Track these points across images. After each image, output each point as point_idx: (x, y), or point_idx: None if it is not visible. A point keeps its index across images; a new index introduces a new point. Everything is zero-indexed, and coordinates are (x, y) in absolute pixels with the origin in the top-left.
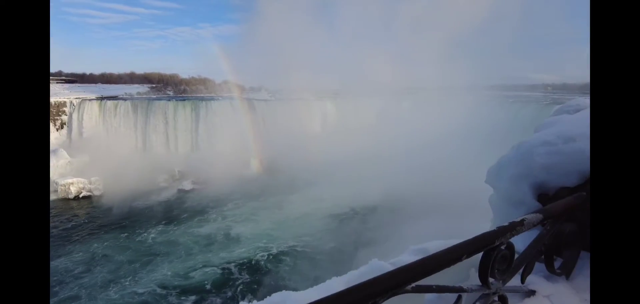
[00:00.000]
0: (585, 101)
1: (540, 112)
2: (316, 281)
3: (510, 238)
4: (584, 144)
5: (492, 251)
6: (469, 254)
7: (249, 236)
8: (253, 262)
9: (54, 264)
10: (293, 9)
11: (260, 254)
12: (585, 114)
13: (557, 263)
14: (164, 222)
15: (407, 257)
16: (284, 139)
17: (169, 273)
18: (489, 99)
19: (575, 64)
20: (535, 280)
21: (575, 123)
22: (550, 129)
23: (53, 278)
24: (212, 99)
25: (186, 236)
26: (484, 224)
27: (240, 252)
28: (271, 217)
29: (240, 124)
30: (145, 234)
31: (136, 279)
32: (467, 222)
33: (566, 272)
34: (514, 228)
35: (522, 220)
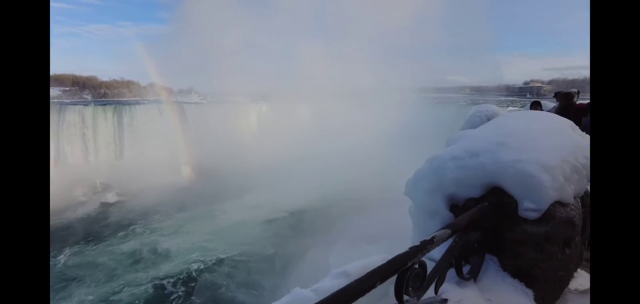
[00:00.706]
0: (493, 107)
1: (459, 112)
2: (255, 287)
3: (421, 257)
4: (486, 158)
5: (405, 272)
6: (384, 279)
7: (181, 250)
8: (187, 276)
9: None
10: (223, 6)
11: (195, 266)
12: (489, 127)
13: (465, 269)
14: (82, 241)
15: (328, 282)
16: (217, 144)
17: (89, 298)
18: (416, 100)
19: (489, 68)
20: (447, 288)
21: (480, 139)
22: (459, 143)
23: None
24: (137, 103)
25: (108, 255)
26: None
27: (170, 267)
28: (204, 228)
29: (169, 129)
30: (61, 256)
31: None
32: (395, 216)
33: (474, 276)
34: (425, 246)
35: (433, 238)
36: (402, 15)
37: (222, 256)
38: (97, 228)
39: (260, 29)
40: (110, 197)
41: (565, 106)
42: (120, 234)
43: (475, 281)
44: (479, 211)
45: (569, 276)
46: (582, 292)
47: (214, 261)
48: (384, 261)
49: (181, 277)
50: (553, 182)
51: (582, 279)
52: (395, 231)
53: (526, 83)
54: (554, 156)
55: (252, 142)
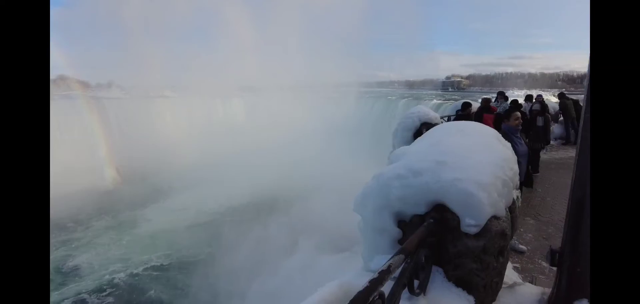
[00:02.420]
0: (424, 109)
1: (388, 106)
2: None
3: (381, 288)
4: (429, 177)
5: None
6: None
7: (96, 264)
8: (101, 293)
9: None
10: None
11: (111, 280)
12: (426, 143)
13: (416, 284)
14: None
15: None
16: (144, 143)
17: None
18: (347, 95)
19: (415, 64)
20: None
21: (420, 157)
22: (401, 161)
23: None
24: None
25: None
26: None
27: (82, 285)
28: (126, 236)
29: (87, 127)
30: None
31: None
32: (331, 208)
33: (423, 290)
34: (384, 278)
35: (389, 267)
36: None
37: (141, 268)
38: None
39: (186, 19)
40: None
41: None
42: None
43: (425, 294)
44: (426, 230)
45: (502, 280)
46: (510, 286)
47: (132, 273)
48: (341, 294)
49: (95, 293)
50: (489, 198)
51: (507, 275)
52: (332, 220)
53: (448, 78)
54: (488, 173)
55: (183, 139)
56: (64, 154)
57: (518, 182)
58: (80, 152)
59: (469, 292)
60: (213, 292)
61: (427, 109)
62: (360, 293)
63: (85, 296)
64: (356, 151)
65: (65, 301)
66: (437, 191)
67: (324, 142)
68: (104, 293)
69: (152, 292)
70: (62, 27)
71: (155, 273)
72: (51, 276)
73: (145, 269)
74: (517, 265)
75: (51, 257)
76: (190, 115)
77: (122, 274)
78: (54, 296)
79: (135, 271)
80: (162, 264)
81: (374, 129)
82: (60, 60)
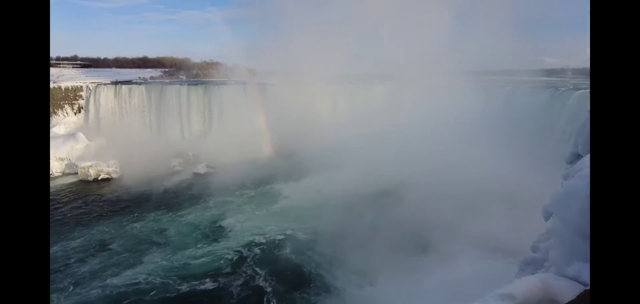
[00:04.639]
0: None
1: (555, 99)
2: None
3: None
4: None
5: None
6: None
7: (239, 226)
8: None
9: (57, 249)
10: None
11: (254, 239)
12: None
13: None
14: (164, 208)
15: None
16: (295, 124)
17: (163, 263)
18: (504, 84)
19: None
20: None
21: None
22: None
23: (56, 264)
24: (224, 83)
25: (179, 225)
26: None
27: (230, 243)
28: (266, 207)
29: (251, 108)
30: (161, 217)
31: (167, 256)
32: (481, 213)
33: None
34: None
35: None
36: None
37: (277, 234)
38: (192, 194)
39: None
40: (201, 169)
41: None
42: (212, 202)
43: None
44: None
45: None
46: None
47: (269, 238)
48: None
49: (243, 248)
50: None
51: None
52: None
53: None
54: None
55: (329, 123)
56: (236, 129)
57: None
58: (247, 128)
59: None
60: (339, 263)
61: None
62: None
63: (240, 250)
64: (512, 153)
65: (226, 251)
66: None
67: (468, 138)
68: (248, 249)
69: (287, 251)
70: (241, 23)
71: (287, 239)
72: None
73: (280, 235)
74: None
75: None
76: (334, 101)
77: (261, 237)
78: (206, 248)
79: (271, 237)
80: (292, 234)
81: (535, 127)
82: (237, 51)
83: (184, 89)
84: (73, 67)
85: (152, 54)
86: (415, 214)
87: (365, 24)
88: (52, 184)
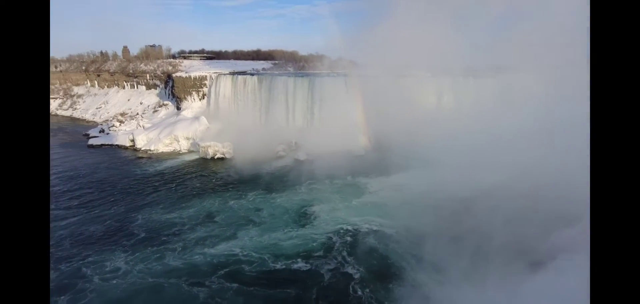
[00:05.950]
0: None
1: None
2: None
3: None
4: None
5: None
6: None
7: (325, 215)
8: (348, 240)
9: (175, 216)
10: None
11: (340, 228)
12: None
13: None
14: (280, 187)
15: None
16: (394, 118)
17: (257, 239)
18: None
19: None
20: None
21: None
22: None
23: (173, 228)
24: (327, 75)
25: (274, 207)
26: None
27: (316, 229)
28: (354, 199)
29: (351, 100)
30: (259, 197)
31: (287, 230)
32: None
33: None
34: None
35: None
36: None
37: (361, 225)
38: (291, 178)
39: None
40: (301, 155)
41: None
42: (311, 186)
43: None
44: None
45: None
46: None
47: (353, 228)
48: None
49: (331, 234)
50: None
51: None
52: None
53: None
54: None
55: (431, 118)
56: (336, 120)
57: None
58: (346, 119)
59: None
60: (417, 258)
61: None
62: None
63: (330, 236)
64: None
65: (316, 235)
66: None
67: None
68: (338, 236)
69: (370, 240)
70: (348, 15)
71: (375, 233)
72: None
73: (365, 226)
74: None
75: None
76: (438, 95)
77: (347, 226)
78: (294, 232)
79: (355, 227)
80: (379, 229)
81: None
82: (341, 44)
83: (290, 80)
84: (201, 58)
85: (264, 47)
86: (508, 225)
87: (483, 13)
88: (179, 159)
